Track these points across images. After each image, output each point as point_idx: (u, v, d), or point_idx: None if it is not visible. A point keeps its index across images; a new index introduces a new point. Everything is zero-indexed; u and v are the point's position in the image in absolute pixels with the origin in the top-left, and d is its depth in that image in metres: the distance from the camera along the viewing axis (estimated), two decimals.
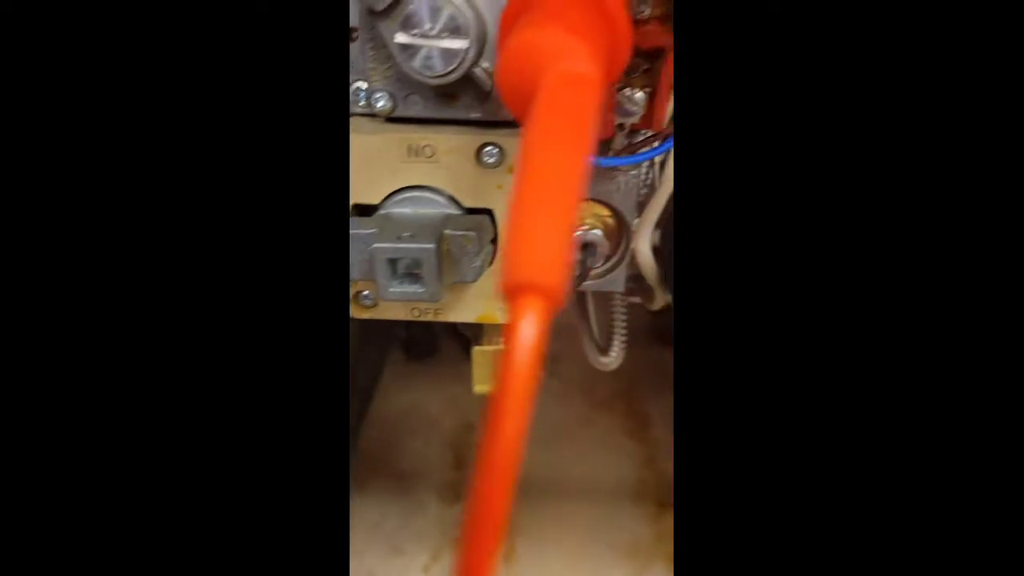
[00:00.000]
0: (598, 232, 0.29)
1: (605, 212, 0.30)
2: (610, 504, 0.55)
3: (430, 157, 0.26)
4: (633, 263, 0.31)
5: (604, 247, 0.30)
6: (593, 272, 0.31)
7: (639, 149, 0.27)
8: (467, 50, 0.23)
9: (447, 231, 0.25)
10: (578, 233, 0.30)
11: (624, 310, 0.35)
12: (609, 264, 0.31)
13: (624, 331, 0.36)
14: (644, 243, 0.30)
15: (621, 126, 0.26)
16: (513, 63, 0.16)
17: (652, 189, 0.29)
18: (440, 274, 0.25)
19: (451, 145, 0.26)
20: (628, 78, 0.25)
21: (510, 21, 0.18)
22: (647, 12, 0.22)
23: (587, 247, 0.30)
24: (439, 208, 0.27)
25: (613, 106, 0.25)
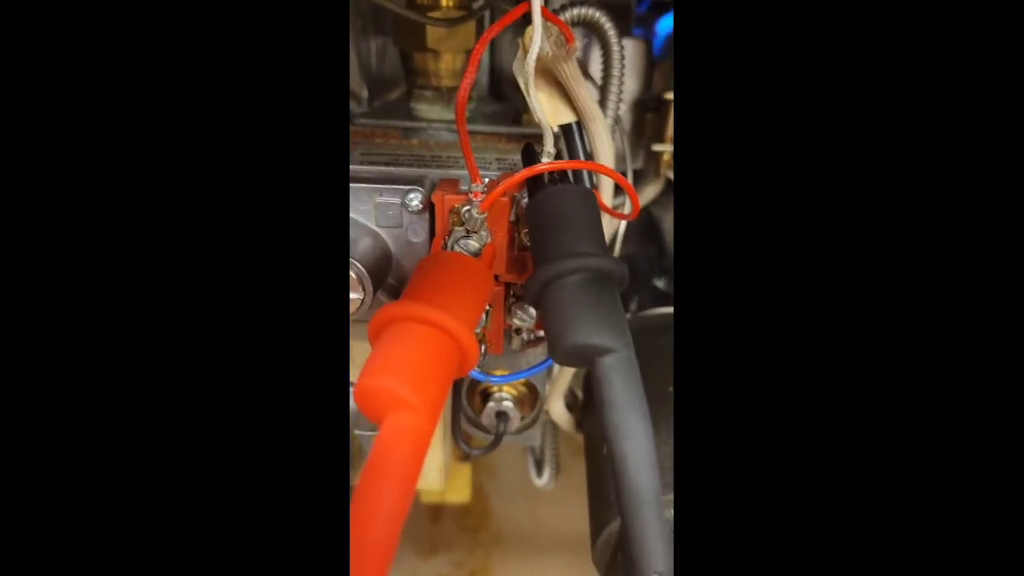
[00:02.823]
0: (509, 403, 0.32)
1: (520, 383, 0.33)
2: (583, 554, 0.59)
3: None
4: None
5: (516, 415, 0.33)
6: (513, 430, 0.34)
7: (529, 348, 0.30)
8: (362, 300, 0.26)
9: (356, 431, 0.29)
10: (492, 404, 0.33)
11: (553, 440, 0.38)
12: (526, 422, 0.34)
13: (554, 455, 0.39)
14: (557, 404, 0.33)
15: (518, 331, 0.29)
16: (362, 403, 0.19)
17: None
18: None
19: (364, 348, 0.29)
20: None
21: (375, 333, 0.21)
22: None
23: (501, 416, 0.33)
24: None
25: (506, 326, 0.28)
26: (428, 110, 0.35)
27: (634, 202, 0.26)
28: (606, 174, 0.25)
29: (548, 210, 0.23)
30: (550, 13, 0.25)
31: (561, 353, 0.20)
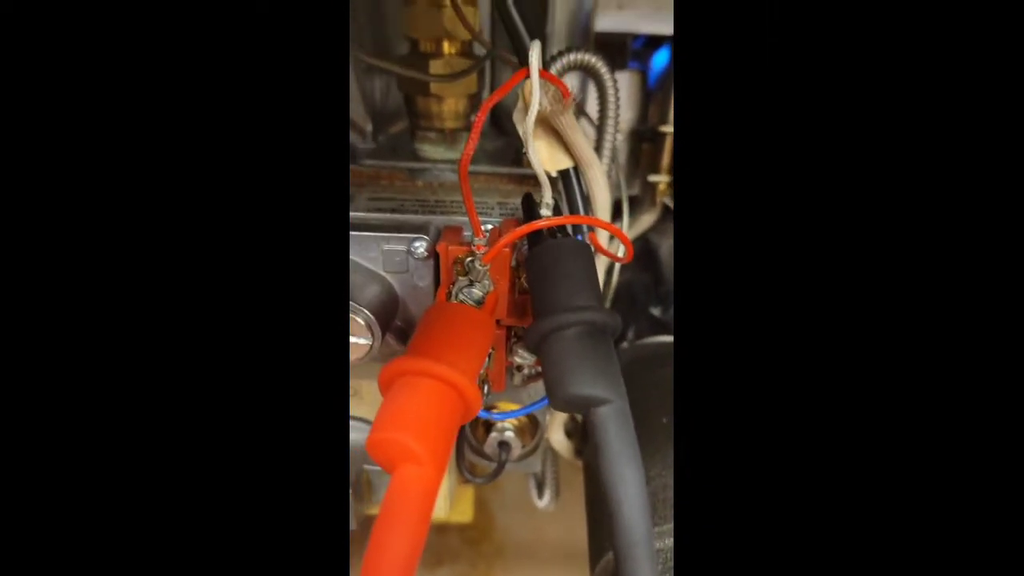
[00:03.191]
0: (511, 433, 0.34)
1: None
2: (585, 567, 0.60)
3: (354, 395, 0.31)
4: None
5: (517, 444, 0.34)
6: (515, 458, 0.35)
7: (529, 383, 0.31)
8: (371, 344, 0.27)
9: (366, 466, 0.30)
10: (495, 434, 0.34)
11: (554, 465, 0.40)
12: (527, 450, 0.36)
13: (554, 480, 0.40)
14: (557, 433, 0.35)
15: (520, 368, 0.30)
16: (374, 454, 0.20)
17: None
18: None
19: (373, 387, 0.30)
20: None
21: (386, 385, 0.22)
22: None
23: (503, 445, 0.34)
24: (363, 434, 0.32)
25: (508, 364, 0.29)
26: (432, 151, 0.36)
27: (627, 248, 0.27)
28: (601, 227, 0.26)
29: (546, 263, 0.24)
30: (547, 73, 0.26)
31: (559, 401, 0.22)
